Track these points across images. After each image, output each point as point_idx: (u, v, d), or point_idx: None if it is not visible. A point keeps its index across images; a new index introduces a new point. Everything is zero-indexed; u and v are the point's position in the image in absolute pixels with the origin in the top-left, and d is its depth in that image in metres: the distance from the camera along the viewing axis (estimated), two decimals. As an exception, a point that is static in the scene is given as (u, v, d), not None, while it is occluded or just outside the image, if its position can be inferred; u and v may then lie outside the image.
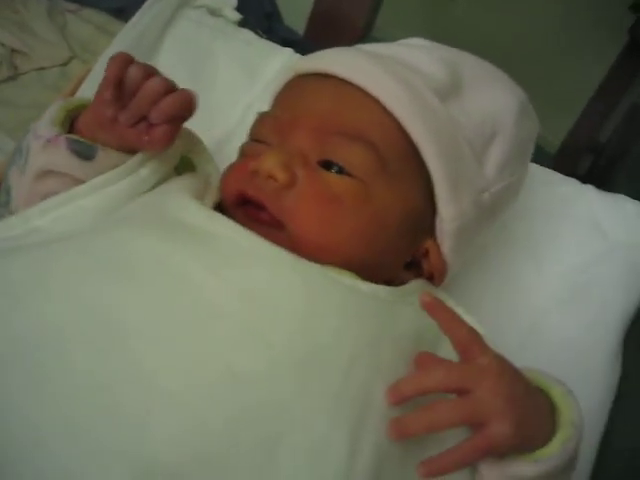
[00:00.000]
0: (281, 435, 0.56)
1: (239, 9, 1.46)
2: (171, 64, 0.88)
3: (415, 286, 0.79)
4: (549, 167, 1.44)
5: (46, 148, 0.74)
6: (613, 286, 0.98)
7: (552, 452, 0.63)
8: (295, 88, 0.82)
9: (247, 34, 1.16)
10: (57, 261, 0.63)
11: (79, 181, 0.75)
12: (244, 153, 0.82)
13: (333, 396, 0.59)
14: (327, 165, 0.74)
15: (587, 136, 1.87)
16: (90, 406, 0.54)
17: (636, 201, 1.05)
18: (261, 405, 0.57)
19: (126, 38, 1.10)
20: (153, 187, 0.77)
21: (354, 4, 1.52)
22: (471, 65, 0.84)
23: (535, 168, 1.09)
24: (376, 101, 0.75)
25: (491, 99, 0.81)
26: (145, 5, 1.11)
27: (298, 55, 1.13)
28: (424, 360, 0.65)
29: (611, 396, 0.93)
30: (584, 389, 0.88)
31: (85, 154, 0.74)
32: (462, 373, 0.62)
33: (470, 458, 0.61)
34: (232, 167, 0.80)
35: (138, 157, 0.76)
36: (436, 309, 0.65)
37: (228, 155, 0.86)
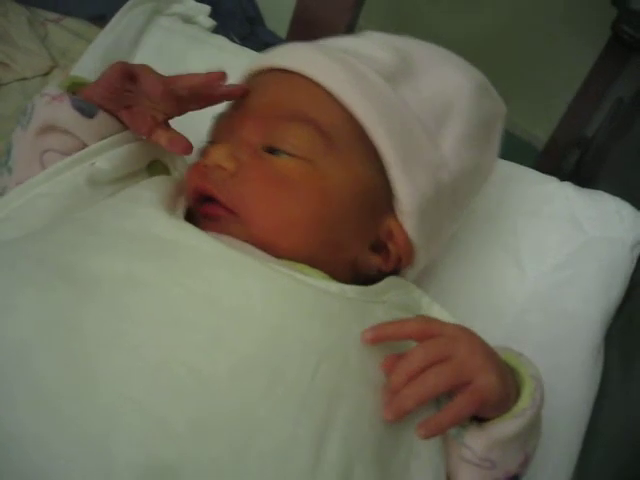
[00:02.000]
0: (248, 439, 0.56)
1: (221, 13, 1.47)
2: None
3: (386, 284, 0.79)
4: (537, 162, 1.45)
5: (50, 104, 0.77)
6: (593, 281, 0.98)
7: (525, 404, 0.67)
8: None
9: (220, 40, 1.17)
10: (21, 273, 0.63)
11: (78, 140, 0.78)
12: (201, 154, 0.83)
13: (299, 399, 0.59)
14: (272, 151, 0.77)
15: (573, 131, 1.87)
16: (56, 418, 0.54)
17: (615, 197, 1.06)
18: (225, 409, 0.57)
19: (101, 45, 1.11)
20: (116, 180, 0.79)
21: (335, 7, 1.52)
22: (422, 50, 0.86)
23: (514, 167, 1.10)
24: (318, 85, 0.78)
25: (443, 80, 0.83)
26: (119, 13, 1.12)
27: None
28: (391, 362, 0.65)
29: (594, 392, 0.93)
30: (567, 385, 0.91)
31: (87, 111, 0.77)
32: (437, 345, 0.65)
33: (464, 413, 0.64)
34: (189, 168, 0.82)
35: (95, 146, 0.78)
36: (381, 334, 0.66)
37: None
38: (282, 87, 0.80)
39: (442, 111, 0.81)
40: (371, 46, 0.84)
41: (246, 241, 0.74)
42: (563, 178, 1.10)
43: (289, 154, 0.76)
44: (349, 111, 0.77)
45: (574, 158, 1.84)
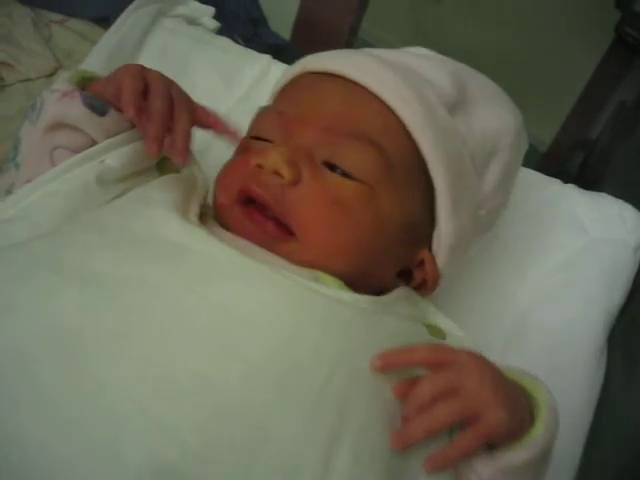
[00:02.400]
0: (255, 449, 0.55)
1: (225, 15, 1.47)
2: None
3: (397, 295, 0.79)
4: (539, 164, 1.46)
5: (61, 100, 0.75)
6: (595, 283, 0.98)
7: (538, 434, 0.65)
8: (303, 85, 0.82)
9: (224, 41, 1.17)
10: (25, 273, 0.63)
11: (88, 137, 0.77)
12: (245, 149, 0.81)
13: (309, 408, 0.59)
14: (332, 167, 0.74)
15: (577, 134, 1.87)
16: (61, 423, 0.54)
17: (617, 199, 1.06)
18: (234, 418, 0.56)
19: (105, 47, 1.11)
20: (125, 178, 0.78)
21: (338, 9, 1.53)
22: (476, 82, 0.85)
23: (518, 169, 1.10)
24: (389, 108, 0.76)
25: (493, 117, 0.83)
26: (123, 14, 1.12)
27: (276, 61, 1.15)
28: (401, 389, 0.64)
29: (596, 394, 0.93)
30: (569, 387, 0.90)
31: (99, 109, 0.76)
32: (447, 376, 0.63)
33: (471, 449, 0.63)
34: (233, 163, 0.80)
35: (104, 143, 0.77)
36: (391, 363, 0.64)
37: (208, 162, 0.86)
38: (351, 101, 0.77)
39: (489, 150, 0.82)
40: (433, 70, 0.82)
41: (287, 260, 0.73)
42: (567, 180, 1.10)
43: (349, 175, 0.74)
44: (413, 139, 0.76)
45: (578, 161, 1.84)
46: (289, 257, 0.73)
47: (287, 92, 0.83)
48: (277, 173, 0.73)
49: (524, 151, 0.90)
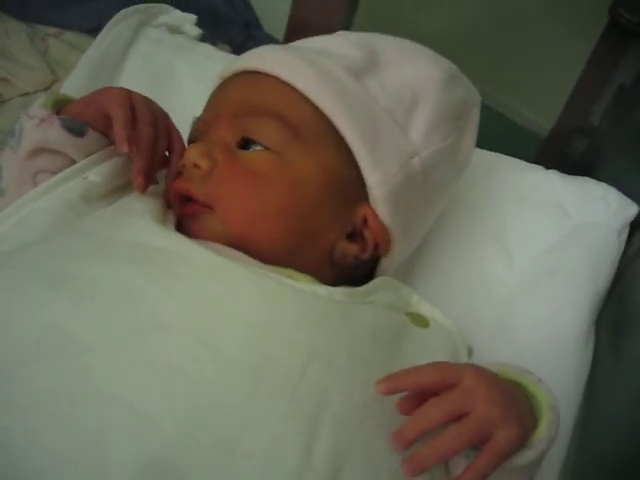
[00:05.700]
0: (235, 437, 0.57)
1: (215, 19, 1.49)
2: (133, 83, 0.90)
3: (374, 285, 0.80)
4: (541, 151, 1.47)
5: (40, 126, 0.79)
6: (580, 266, 0.99)
7: (541, 436, 0.65)
8: (216, 90, 0.89)
9: (207, 48, 1.20)
10: (7, 279, 0.65)
11: (68, 159, 0.81)
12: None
13: (286, 399, 0.60)
14: (246, 145, 0.80)
15: (577, 119, 1.86)
16: (51, 418, 0.56)
17: (600, 182, 1.06)
18: (212, 409, 0.58)
19: (91, 58, 1.14)
20: (109, 194, 0.81)
21: (330, 9, 1.54)
22: (389, 44, 0.89)
23: (500, 157, 1.11)
24: (285, 83, 0.81)
25: (410, 71, 0.86)
26: (107, 25, 1.15)
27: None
28: (408, 407, 0.64)
29: (585, 373, 0.94)
30: (557, 370, 0.90)
31: (77, 130, 0.80)
32: (453, 401, 0.63)
33: (486, 472, 0.62)
34: (168, 172, 0.84)
35: (86, 160, 0.81)
36: (396, 387, 0.64)
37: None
38: (251, 87, 0.83)
39: (411, 100, 0.84)
40: (340, 44, 0.87)
41: (224, 237, 0.77)
42: (568, 166, 1.11)
43: (260, 145, 0.79)
44: (316, 105, 0.80)
45: (581, 146, 1.83)
46: (213, 232, 0.77)
47: (207, 102, 0.89)
48: (196, 166, 0.79)
49: (463, 98, 0.90)
